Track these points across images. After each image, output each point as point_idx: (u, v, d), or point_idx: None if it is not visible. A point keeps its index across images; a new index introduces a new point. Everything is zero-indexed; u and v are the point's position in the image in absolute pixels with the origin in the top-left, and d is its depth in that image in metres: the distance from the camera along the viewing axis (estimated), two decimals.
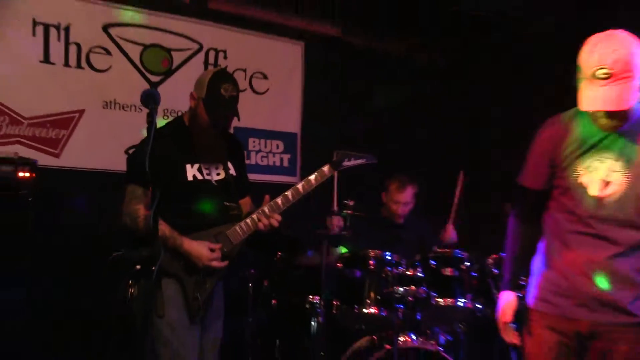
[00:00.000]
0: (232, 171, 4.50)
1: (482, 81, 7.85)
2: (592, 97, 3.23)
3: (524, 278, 3.80)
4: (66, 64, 6.07)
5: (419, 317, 5.41)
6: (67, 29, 6.05)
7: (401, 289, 5.23)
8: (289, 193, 4.48)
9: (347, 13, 7.61)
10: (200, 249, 4.24)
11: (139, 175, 3.84)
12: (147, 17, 6.50)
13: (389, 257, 5.36)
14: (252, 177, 4.92)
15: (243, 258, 4.67)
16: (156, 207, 3.37)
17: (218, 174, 4.43)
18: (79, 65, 6.13)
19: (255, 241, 4.59)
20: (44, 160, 5.76)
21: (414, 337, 5.33)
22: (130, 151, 5.95)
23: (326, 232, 5.45)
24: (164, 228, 4.08)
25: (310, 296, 5.66)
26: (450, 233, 6.31)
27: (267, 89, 7.33)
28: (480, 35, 7.89)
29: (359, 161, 4.74)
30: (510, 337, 3.72)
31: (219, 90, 4.25)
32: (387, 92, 8.00)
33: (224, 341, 4.61)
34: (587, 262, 3.41)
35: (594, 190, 3.39)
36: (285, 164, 7.49)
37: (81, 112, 6.13)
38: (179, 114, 4.70)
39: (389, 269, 5.31)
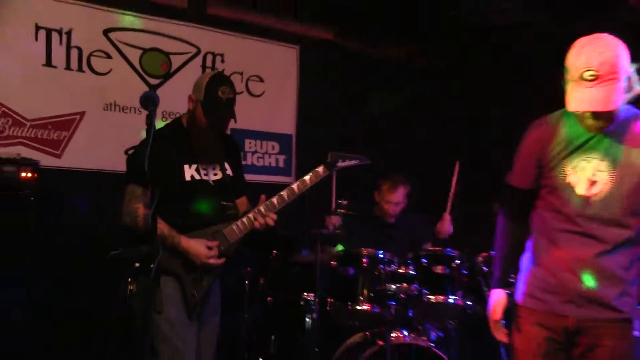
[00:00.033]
0: (229, 171, 4.50)
1: (481, 82, 7.83)
2: (580, 98, 3.24)
3: (513, 276, 3.80)
4: (68, 67, 6.07)
5: (410, 314, 5.41)
6: (68, 34, 6.05)
7: (393, 287, 5.24)
8: (284, 193, 4.49)
9: (343, 18, 7.60)
10: (197, 247, 4.24)
11: (139, 176, 3.84)
12: (147, 22, 6.50)
13: (382, 256, 5.37)
14: (248, 177, 4.92)
15: (239, 256, 4.66)
16: (155, 206, 3.37)
17: (215, 174, 4.43)
18: (80, 69, 6.13)
19: (252, 240, 4.58)
20: (46, 160, 5.75)
21: (406, 333, 5.34)
22: (130, 152, 5.94)
23: (323, 231, 5.46)
24: (162, 227, 4.08)
25: (305, 293, 5.66)
26: (447, 224, 6.29)
27: (263, 92, 7.33)
28: (480, 37, 7.86)
29: (353, 162, 4.74)
30: (501, 335, 3.72)
31: (217, 93, 4.25)
32: (382, 96, 8.01)
33: (221, 337, 4.61)
34: (574, 259, 3.41)
35: (580, 189, 3.40)
36: (281, 164, 7.49)
37: (82, 114, 6.12)
38: (178, 116, 4.69)
39: (382, 266, 5.32)
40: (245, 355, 5.94)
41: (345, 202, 5.51)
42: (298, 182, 4.53)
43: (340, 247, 5.89)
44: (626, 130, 3.40)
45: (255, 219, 4.39)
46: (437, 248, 5.77)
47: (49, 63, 5.97)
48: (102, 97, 6.25)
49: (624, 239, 3.39)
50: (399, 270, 5.37)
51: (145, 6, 6.47)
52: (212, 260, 4.27)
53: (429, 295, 5.34)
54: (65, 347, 5.76)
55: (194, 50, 6.80)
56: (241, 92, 6.91)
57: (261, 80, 7.31)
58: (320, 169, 4.60)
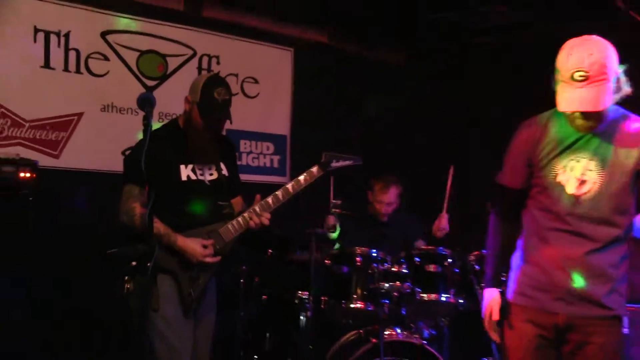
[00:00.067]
0: (224, 172, 4.50)
1: (479, 83, 7.82)
2: (570, 98, 3.25)
3: (504, 274, 3.79)
4: (66, 69, 6.05)
5: (403, 312, 5.42)
6: (66, 36, 6.03)
7: (387, 285, 5.25)
8: (279, 193, 4.49)
9: (337, 20, 7.60)
10: (193, 245, 4.24)
11: (136, 175, 3.83)
12: (143, 25, 6.49)
13: (375, 254, 5.37)
14: (243, 177, 4.92)
15: (235, 255, 4.66)
16: (152, 205, 3.38)
17: (211, 175, 4.43)
18: (78, 71, 6.11)
19: (247, 239, 4.59)
20: (44, 161, 5.74)
21: (399, 331, 5.34)
22: (127, 152, 5.92)
23: (318, 230, 5.47)
24: (159, 226, 4.08)
25: (300, 292, 5.66)
26: (444, 221, 6.27)
27: (258, 93, 7.32)
28: (480, 39, 7.87)
29: (347, 162, 4.75)
30: (495, 335, 3.70)
31: (213, 95, 4.25)
32: (376, 98, 8.02)
33: (216, 335, 4.61)
34: (564, 257, 3.41)
35: (570, 188, 3.40)
36: (276, 165, 7.48)
37: (80, 115, 6.11)
38: (174, 117, 4.69)
39: (375, 265, 5.32)
40: (241, 352, 5.93)
41: (339, 202, 5.52)
42: (293, 182, 4.54)
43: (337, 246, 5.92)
44: (615, 131, 3.41)
45: (251, 219, 4.39)
46: (429, 247, 5.78)
47: (47, 65, 5.95)
48: (100, 99, 6.23)
49: (613, 237, 3.40)
50: (392, 269, 5.38)
51: (142, 9, 6.46)
52: (207, 259, 4.28)
53: (422, 293, 5.35)
54: (65, 347, 5.74)
55: (190, 52, 6.79)
56: (236, 94, 6.90)
57: (256, 81, 7.30)
58: (314, 169, 4.60)
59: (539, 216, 3.52)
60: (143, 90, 6.35)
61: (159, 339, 4.16)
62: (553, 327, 3.46)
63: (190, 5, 6.77)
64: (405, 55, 8.46)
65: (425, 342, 5.33)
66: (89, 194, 5.99)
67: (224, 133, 4.78)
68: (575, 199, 3.40)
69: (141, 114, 3.44)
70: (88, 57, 6.15)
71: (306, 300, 5.53)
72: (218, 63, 6.98)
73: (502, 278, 3.81)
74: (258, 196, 4.47)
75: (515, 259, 3.68)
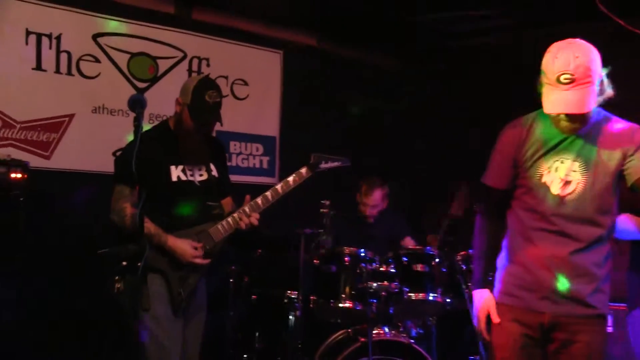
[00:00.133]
0: (214, 172, 4.50)
1: (473, 84, 7.85)
2: (556, 100, 3.27)
3: (491, 274, 3.80)
4: (57, 71, 6.03)
5: (391, 311, 5.44)
6: (58, 38, 6.01)
7: (375, 284, 5.26)
8: (268, 193, 4.50)
9: (326, 24, 7.61)
10: (183, 246, 4.25)
11: (126, 176, 3.83)
12: (134, 27, 6.48)
13: (363, 254, 5.38)
14: (233, 178, 4.92)
15: (224, 255, 4.66)
16: (142, 206, 3.37)
17: (201, 175, 4.44)
18: (69, 72, 6.09)
19: (236, 239, 4.60)
20: (35, 162, 5.72)
21: (387, 330, 5.35)
22: (118, 153, 5.91)
23: (307, 230, 5.49)
24: (149, 226, 4.07)
25: (289, 291, 5.67)
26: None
27: (248, 95, 7.32)
28: (475, 40, 7.90)
29: (335, 164, 4.77)
30: (488, 335, 3.70)
31: (204, 97, 4.26)
32: (364, 99, 8.04)
33: (206, 334, 4.61)
34: (550, 257, 3.43)
35: (555, 189, 3.42)
36: (265, 166, 7.48)
37: (71, 116, 6.09)
38: (164, 118, 4.68)
39: (363, 265, 5.34)
40: (230, 352, 5.93)
41: (328, 203, 5.53)
42: (282, 183, 4.55)
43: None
44: (598, 132, 3.43)
45: (240, 219, 4.40)
46: (417, 247, 5.79)
47: (39, 67, 5.93)
48: (91, 100, 6.22)
49: (597, 237, 3.42)
50: (380, 269, 5.39)
51: (133, 12, 6.45)
52: (197, 260, 4.28)
53: (410, 292, 5.36)
54: (58, 347, 5.72)
55: (181, 54, 6.79)
56: (226, 96, 6.89)
57: (246, 84, 7.30)
58: (303, 170, 4.61)
59: (524, 216, 3.53)
60: (134, 92, 6.33)
61: (149, 338, 4.16)
62: (539, 326, 3.47)
63: (181, 8, 6.76)
64: (395, 57, 8.47)
65: (413, 341, 5.35)
66: (79, 195, 5.97)
67: (214, 134, 4.78)
68: (560, 199, 3.41)
69: (132, 115, 3.43)
70: (79, 59, 6.14)
71: (295, 300, 5.54)
72: (208, 65, 6.97)
73: (489, 278, 3.81)
74: (248, 197, 4.48)
75: (501, 259, 3.68)
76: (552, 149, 3.44)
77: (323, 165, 4.68)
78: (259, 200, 4.47)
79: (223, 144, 4.88)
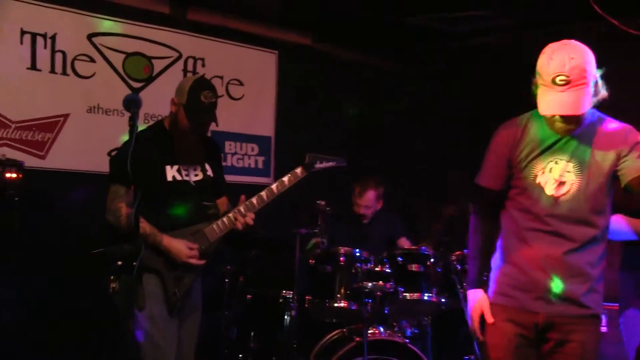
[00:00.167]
0: (209, 172, 4.51)
1: (478, 83, 7.87)
2: (551, 102, 3.27)
3: (485, 274, 3.80)
4: (52, 70, 6.02)
5: (387, 311, 5.44)
6: (53, 38, 6.00)
7: (370, 284, 5.26)
8: (263, 193, 4.51)
9: (321, 24, 7.62)
10: (179, 246, 4.25)
11: (121, 176, 3.82)
12: (129, 27, 6.47)
13: (358, 254, 5.39)
14: (228, 178, 4.93)
15: (220, 255, 4.66)
16: (137, 205, 3.38)
17: (196, 175, 4.44)
18: (64, 72, 6.09)
19: (232, 239, 4.60)
20: (30, 161, 5.71)
21: (382, 329, 5.36)
22: (113, 153, 5.91)
23: (302, 230, 5.49)
24: (144, 225, 4.08)
25: (284, 291, 5.67)
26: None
27: (243, 95, 7.32)
28: (477, 39, 7.92)
29: (330, 164, 4.77)
30: (482, 335, 3.70)
31: (199, 97, 4.26)
32: (359, 99, 8.05)
33: (202, 334, 4.61)
34: (544, 257, 3.43)
35: (549, 189, 3.42)
36: (260, 166, 7.48)
37: (66, 116, 6.08)
38: (160, 118, 4.68)
39: (359, 265, 5.34)
40: (225, 351, 5.93)
41: (323, 203, 5.53)
42: (277, 183, 4.56)
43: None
44: (592, 133, 3.44)
45: (236, 219, 4.40)
46: (412, 247, 5.80)
47: (33, 66, 5.92)
48: (86, 100, 6.21)
49: (591, 237, 3.43)
50: (376, 269, 5.39)
51: (128, 12, 6.44)
52: (192, 260, 4.29)
53: (405, 292, 5.37)
54: (57, 347, 5.72)
55: (176, 54, 6.78)
56: (221, 96, 6.89)
57: (241, 84, 7.30)
58: (298, 170, 4.62)
59: (518, 217, 3.53)
60: (129, 91, 6.32)
61: (144, 337, 4.16)
62: (533, 326, 3.48)
63: (176, 8, 6.76)
64: (392, 58, 8.48)
65: (408, 340, 5.37)
66: (74, 194, 5.96)
67: (209, 134, 4.78)
68: (554, 200, 3.42)
69: (127, 115, 3.44)
70: (74, 59, 6.13)
71: (290, 300, 5.54)
72: (203, 65, 6.97)
73: (483, 278, 3.81)
74: (243, 197, 4.48)
75: (495, 260, 3.69)
76: (547, 150, 3.45)
77: (318, 165, 4.69)
78: (254, 200, 4.47)
79: (218, 144, 4.89)
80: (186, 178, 4.38)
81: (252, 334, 5.93)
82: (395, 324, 5.64)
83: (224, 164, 4.97)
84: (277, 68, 7.59)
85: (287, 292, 5.64)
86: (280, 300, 5.68)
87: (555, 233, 3.42)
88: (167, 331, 4.27)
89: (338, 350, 5.19)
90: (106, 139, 6.12)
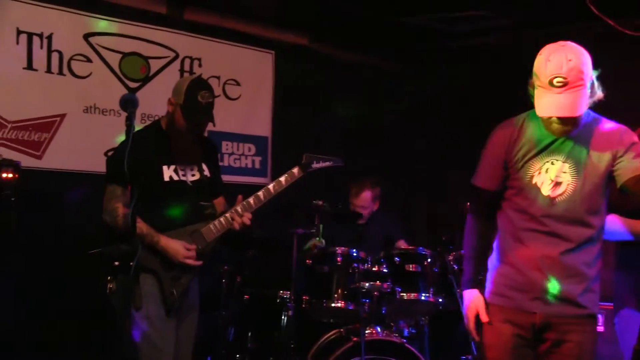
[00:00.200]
0: (206, 172, 4.51)
1: (462, 85, 7.89)
2: (549, 103, 3.28)
3: (482, 274, 3.80)
4: (48, 70, 6.02)
5: (384, 311, 5.45)
6: (49, 38, 6.01)
7: (367, 284, 5.27)
8: (260, 193, 4.51)
9: (318, 24, 7.62)
10: (176, 246, 4.25)
11: (118, 176, 3.83)
12: (126, 27, 6.47)
13: (355, 254, 5.39)
14: (225, 178, 4.93)
15: (217, 255, 4.66)
16: (134, 205, 3.37)
17: (193, 175, 4.44)
18: (60, 72, 6.09)
19: (229, 239, 4.61)
20: (27, 161, 5.71)
21: (379, 329, 5.36)
22: (110, 153, 5.91)
23: (299, 230, 5.50)
24: (141, 226, 4.08)
25: (281, 291, 5.67)
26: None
27: (240, 95, 7.33)
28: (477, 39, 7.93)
29: (327, 163, 4.78)
30: (478, 335, 3.70)
31: (196, 97, 4.26)
32: (355, 100, 8.06)
33: (199, 334, 4.62)
34: (541, 257, 3.44)
35: (545, 190, 3.43)
36: (257, 166, 7.49)
37: (62, 116, 6.08)
38: (156, 118, 4.68)
39: (356, 265, 5.35)
40: (223, 351, 5.93)
41: (321, 203, 5.54)
42: (274, 183, 4.56)
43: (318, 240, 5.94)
44: (588, 134, 3.44)
45: (233, 219, 4.40)
46: (409, 247, 5.80)
47: (30, 66, 5.92)
48: (83, 100, 6.21)
49: (587, 237, 3.43)
50: (373, 269, 5.40)
51: (125, 12, 6.45)
52: (189, 261, 4.29)
53: (402, 292, 5.38)
54: (55, 347, 5.73)
55: (173, 54, 6.79)
56: (218, 96, 6.89)
57: (238, 84, 7.31)
58: (295, 170, 4.62)
59: (514, 217, 3.54)
60: (125, 91, 6.32)
61: (141, 337, 4.16)
62: (530, 326, 3.48)
63: (173, 8, 6.76)
64: (390, 58, 8.49)
65: (405, 340, 5.37)
66: (71, 194, 5.96)
67: (206, 134, 4.79)
68: (551, 200, 3.43)
69: (123, 115, 3.44)
70: (71, 58, 6.13)
71: (288, 300, 5.55)
72: (200, 65, 6.98)
73: (479, 277, 3.82)
74: (240, 197, 4.49)
75: (492, 260, 3.69)
76: (543, 150, 3.45)
77: (315, 165, 4.69)
78: (251, 200, 4.47)
79: (215, 144, 4.89)
80: (183, 178, 4.38)
81: (250, 334, 5.94)
82: (392, 324, 5.65)
83: (220, 164, 4.98)
84: (274, 68, 7.59)
85: (285, 292, 5.64)
86: (278, 301, 5.68)
87: (552, 233, 3.42)
88: (165, 331, 4.27)
89: (335, 351, 5.20)
90: (103, 139, 6.12)
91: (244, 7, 7.02)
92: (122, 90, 6.33)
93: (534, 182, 3.46)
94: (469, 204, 3.86)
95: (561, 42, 3.35)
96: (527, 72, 3.39)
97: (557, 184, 3.42)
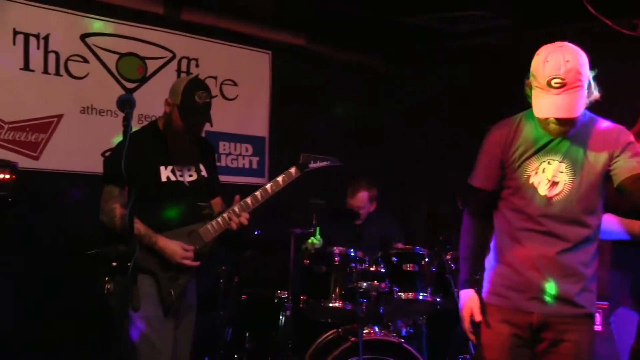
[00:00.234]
0: (203, 173, 4.51)
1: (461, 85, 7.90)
2: (547, 104, 3.28)
3: (479, 273, 3.80)
4: (45, 71, 6.02)
5: (382, 311, 5.46)
6: (46, 38, 6.00)
7: (365, 284, 5.27)
8: (258, 193, 4.51)
9: (315, 24, 7.63)
10: (173, 247, 4.25)
11: (116, 176, 3.82)
12: (122, 28, 6.47)
13: (353, 254, 5.39)
14: (222, 178, 4.94)
15: (214, 255, 4.67)
16: (132, 206, 3.38)
17: (190, 176, 4.44)
18: (57, 73, 6.09)
19: (226, 239, 4.61)
20: (24, 162, 5.71)
21: (377, 329, 5.36)
22: (107, 154, 5.91)
23: (297, 229, 5.51)
24: (139, 226, 4.08)
25: (279, 291, 5.68)
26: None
27: (237, 96, 7.33)
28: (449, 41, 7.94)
29: (324, 163, 4.78)
30: (473, 336, 3.71)
31: (194, 98, 4.26)
32: (353, 100, 8.07)
33: (197, 334, 4.62)
34: (538, 257, 3.44)
35: (542, 190, 3.43)
36: (254, 166, 7.49)
37: (59, 116, 6.09)
38: (153, 119, 4.69)
39: (353, 265, 5.35)
40: (221, 352, 5.93)
41: (321, 202, 5.55)
42: (271, 183, 4.56)
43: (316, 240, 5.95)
44: (584, 134, 3.45)
45: (230, 219, 4.40)
46: (406, 247, 5.81)
47: (26, 67, 5.92)
48: (79, 101, 6.21)
49: (584, 237, 3.44)
50: (370, 268, 5.40)
51: (122, 12, 6.45)
52: (187, 262, 4.29)
53: (400, 292, 5.38)
54: (53, 347, 5.73)
55: (169, 55, 6.79)
56: (215, 96, 6.88)
57: (235, 84, 7.31)
58: (292, 170, 4.63)
59: (511, 217, 3.54)
60: (122, 92, 6.32)
61: (139, 338, 4.17)
62: (528, 326, 3.49)
63: (170, 9, 6.76)
64: (383, 57, 8.51)
65: (403, 340, 5.38)
66: (68, 195, 5.96)
67: (203, 135, 4.79)
68: (547, 200, 3.43)
69: (121, 116, 3.44)
70: (67, 59, 6.13)
71: (285, 300, 5.55)
72: (197, 66, 6.98)
73: (476, 277, 3.82)
74: (237, 197, 4.49)
75: (489, 260, 3.69)
76: (540, 150, 3.45)
77: (312, 165, 4.70)
78: (248, 200, 4.48)
79: (212, 145, 4.89)
80: (180, 178, 4.38)
81: (247, 334, 5.94)
82: (390, 323, 5.66)
83: (218, 164, 4.98)
84: (271, 68, 7.60)
85: (282, 292, 5.64)
86: (275, 301, 5.69)
87: (549, 233, 3.43)
88: (163, 332, 4.27)
89: (333, 350, 5.20)
90: (100, 140, 6.12)
91: (240, 7, 7.03)
92: (119, 91, 6.33)
93: (530, 181, 3.46)
94: (464, 204, 3.87)
95: (558, 43, 3.35)
96: (526, 72, 3.39)
97: (554, 183, 3.42)
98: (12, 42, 5.85)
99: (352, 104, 8.05)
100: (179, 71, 6.85)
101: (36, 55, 5.97)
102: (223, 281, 5.90)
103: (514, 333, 3.50)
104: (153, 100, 5.70)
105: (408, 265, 5.46)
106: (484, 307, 3.64)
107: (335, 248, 5.43)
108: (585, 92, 3.30)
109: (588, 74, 3.32)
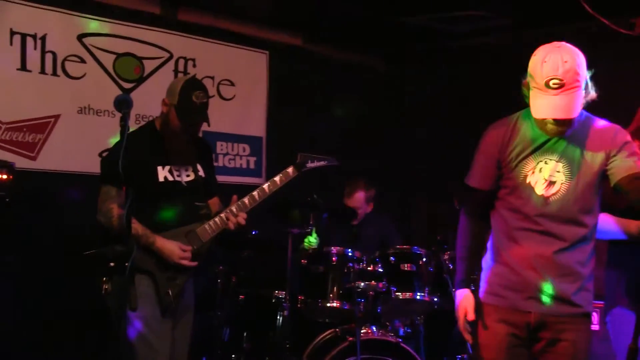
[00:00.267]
0: (201, 173, 4.52)
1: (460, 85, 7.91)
2: (545, 105, 3.27)
3: (477, 273, 3.81)
4: (42, 71, 6.02)
5: (379, 310, 5.46)
6: (43, 39, 6.00)
7: (362, 284, 5.28)
8: (255, 193, 4.52)
9: (312, 24, 7.64)
10: (171, 247, 4.26)
11: (113, 176, 3.83)
12: (120, 28, 6.47)
13: (351, 254, 5.40)
14: (220, 178, 4.94)
15: (212, 255, 4.67)
16: (129, 206, 3.38)
17: (188, 176, 4.45)
18: (54, 73, 6.08)
19: (224, 239, 4.61)
20: (21, 163, 5.71)
21: (375, 329, 5.37)
22: (104, 154, 5.92)
23: (294, 229, 5.52)
24: (136, 226, 4.09)
25: (277, 291, 5.68)
26: None
27: (234, 95, 7.33)
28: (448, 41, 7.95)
29: (321, 163, 4.79)
30: (469, 336, 3.71)
31: (191, 98, 4.27)
32: (350, 100, 8.07)
33: (194, 334, 4.62)
34: (535, 257, 3.44)
35: (539, 189, 3.44)
36: (252, 166, 7.49)
37: (57, 117, 6.08)
38: (151, 119, 4.69)
39: (351, 264, 5.35)
40: (219, 352, 5.93)
41: (320, 201, 5.56)
42: (269, 183, 4.57)
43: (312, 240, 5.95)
44: (581, 133, 3.45)
45: (228, 219, 4.41)
46: (404, 246, 5.82)
47: (23, 67, 5.92)
48: (77, 101, 6.21)
49: (581, 236, 3.45)
50: (368, 268, 5.41)
51: (119, 12, 6.45)
52: (184, 262, 4.29)
53: (397, 292, 5.39)
54: (52, 347, 5.73)
55: (167, 55, 6.79)
56: (212, 96, 6.90)
57: (232, 84, 7.31)
58: (290, 169, 4.63)
59: (508, 217, 3.54)
60: (120, 92, 6.32)
61: (137, 338, 4.17)
62: (525, 325, 3.49)
63: (167, 9, 6.76)
64: (381, 57, 8.51)
65: (401, 340, 5.38)
66: (66, 195, 5.97)
67: (200, 135, 4.79)
68: (544, 199, 3.43)
69: (118, 116, 3.44)
70: (65, 59, 6.13)
71: (283, 300, 5.55)
72: (194, 66, 6.98)
73: (473, 276, 3.82)
74: (235, 197, 4.49)
75: (486, 260, 3.70)
76: (537, 150, 3.45)
77: (309, 165, 4.71)
78: (246, 199, 4.48)
79: (210, 145, 4.90)
80: (178, 178, 4.39)
81: (245, 334, 5.94)
82: (388, 323, 5.66)
83: (215, 164, 4.98)
84: (268, 68, 7.60)
85: (280, 292, 5.64)
86: (273, 301, 5.68)
87: (546, 232, 3.43)
88: (160, 332, 4.28)
89: (331, 350, 5.21)
90: (97, 140, 6.12)
91: (237, 7, 7.03)
92: (116, 91, 6.33)
93: (527, 181, 3.46)
94: (461, 204, 3.87)
95: (556, 43, 3.35)
96: (525, 71, 3.39)
97: (551, 183, 3.43)
98: (9, 43, 5.84)
99: (350, 104, 8.05)
100: (176, 71, 6.85)
101: (33, 56, 5.96)
102: (221, 281, 5.90)
103: (511, 333, 3.50)
104: (150, 101, 5.70)
105: (406, 265, 5.46)
106: (479, 306, 3.65)
107: (332, 248, 5.43)
108: (583, 92, 3.30)
109: (586, 74, 3.32)
